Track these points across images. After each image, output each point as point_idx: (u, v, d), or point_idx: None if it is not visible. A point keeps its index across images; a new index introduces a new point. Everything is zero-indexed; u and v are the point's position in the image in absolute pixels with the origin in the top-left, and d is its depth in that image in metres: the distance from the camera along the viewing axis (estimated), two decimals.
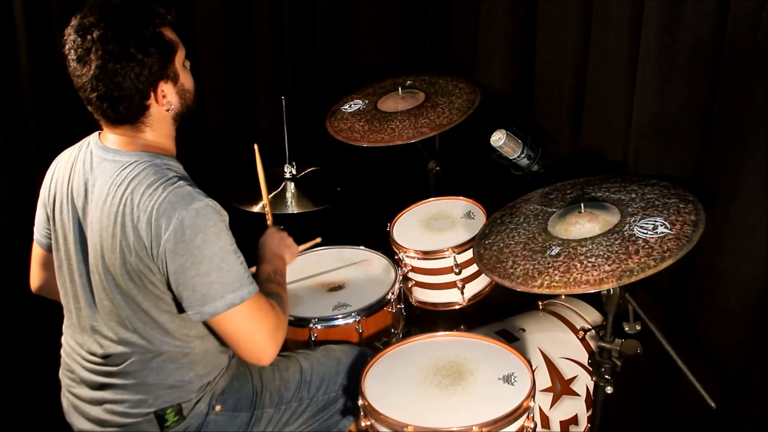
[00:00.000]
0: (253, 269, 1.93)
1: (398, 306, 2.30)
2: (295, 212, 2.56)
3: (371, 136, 2.48)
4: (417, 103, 2.56)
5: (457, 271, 2.27)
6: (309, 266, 2.42)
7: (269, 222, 2.15)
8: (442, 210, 2.50)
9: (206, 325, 1.76)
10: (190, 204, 1.63)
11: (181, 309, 1.71)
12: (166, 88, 1.71)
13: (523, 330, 2.26)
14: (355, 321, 2.17)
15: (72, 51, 1.65)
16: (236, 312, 1.66)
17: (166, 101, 1.72)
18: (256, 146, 2.21)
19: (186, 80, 1.76)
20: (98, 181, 1.72)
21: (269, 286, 1.89)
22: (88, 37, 1.62)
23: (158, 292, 1.70)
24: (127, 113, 1.69)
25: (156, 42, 1.66)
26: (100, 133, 1.80)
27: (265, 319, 1.72)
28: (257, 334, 1.71)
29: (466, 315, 2.42)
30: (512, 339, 2.20)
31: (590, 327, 2.29)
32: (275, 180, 2.63)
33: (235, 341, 1.72)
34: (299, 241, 2.16)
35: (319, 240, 2.37)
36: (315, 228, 2.57)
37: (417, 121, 2.46)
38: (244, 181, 2.57)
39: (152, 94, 1.69)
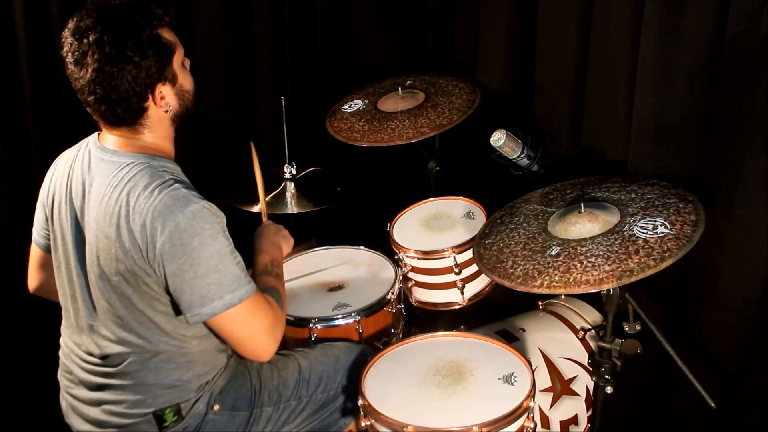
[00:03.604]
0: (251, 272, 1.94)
1: (398, 306, 2.30)
2: (295, 212, 2.56)
3: (371, 136, 2.48)
4: (417, 103, 2.55)
5: (457, 271, 2.27)
6: (309, 266, 2.42)
7: (264, 218, 2.16)
8: (442, 210, 2.50)
9: (204, 324, 1.76)
10: (186, 207, 1.63)
11: (177, 311, 1.71)
12: (165, 90, 1.71)
13: (523, 330, 2.26)
14: (355, 321, 2.17)
15: (69, 54, 1.64)
16: (234, 312, 1.67)
17: (164, 103, 1.72)
18: (252, 143, 2.21)
19: (185, 81, 1.76)
20: (95, 182, 1.72)
21: (267, 279, 1.90)
22: (85, 40, 1.62)
23: (153, 294, 1.70)
24: (125, 115, 1.69)
25: (153, 44, 1.65)
26: (99, 134, 1.80)
27: (263, 317, 1.73)
28: (256, 333, 1.72)
29: (466, 315, 2.42)
30: (512, 339, 2.20)
31: (590, 327, 2.29)
32: (275, 180, 2.63)
33: (235, 340, 1.73)
34: (298, 242, 2.17)
35: (313, 242, 2.37)
36: (315, 228, 2.57)
37: (417, 121, 2.46)
38: (243, 182, 2.57)
39: (150, 96, 1.69)
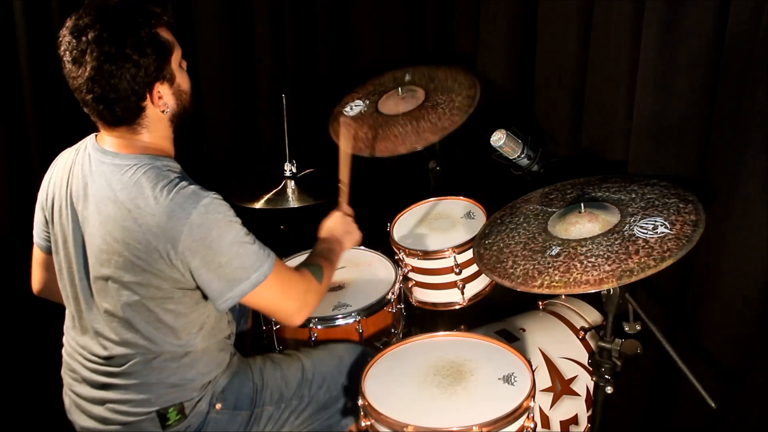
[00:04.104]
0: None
1: (398, 306, 2.30)
2: (296, 206, 2.56)
3: (375, 145, 2.48)
4: (417, 103, 2.55)
5: (457, 271, 2.27)
6: None
7: (342, 200, 2.19)
8: (442, 210, 2.50)
9: (208, 322, 1.79)
10: (198, 202, 1.64)
11: (185, 307, 1.74)
12: (162, 89, 1.71)
13: (523, 330, 2.26)
14: (355, 321, 2.17)
15: (67, 52, 1.64)
16: (263, 287, 1.72)
17: (162, 102, 1.72)
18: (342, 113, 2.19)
19: (182, 81, 1.76)
20: (98, 185, 1.71)
21: (314, 258, 1.96)
22: (83, 38, 1.61)
23: (163, 293, 1.71)
24: (124, 114, 1.69)
25: (152, 43, 1.65)
26: (96, 136, 1.79)
27: (292, 285, 1.80)
28: (288, 301, 1.80)
29: (466, 315, 2.42)
30: (512, 339, 2.20)
31: (590, 327, 2.29)
32: (275, 179, 2.63)
33: (269, 312, 1.84)
34: (305, 239, 2.17)
35: None
36: (315, 227, 2.57)
37: (419, 126, 2.46)
38: (244, 180, 2.57)
39: (148, 96, 1.69)
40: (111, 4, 1.65)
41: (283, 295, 1.79)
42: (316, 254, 1.99)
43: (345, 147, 2.25)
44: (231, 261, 1.67)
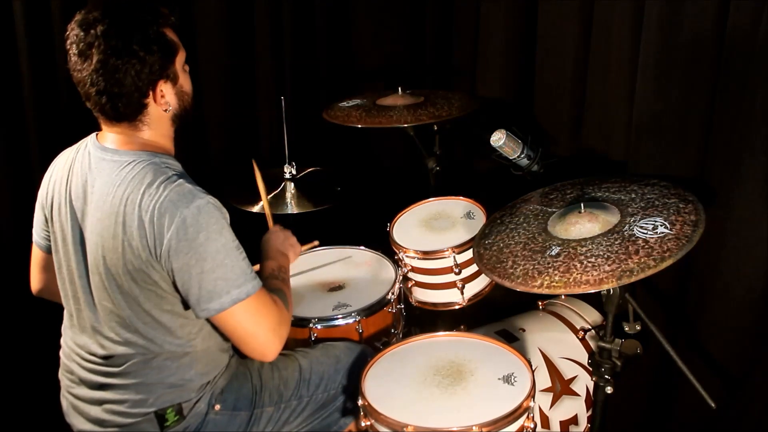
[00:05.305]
0: (257, 267, 1.95)
1: (398, 306, 2.30)
2: (295, 212, 2.56)
3: (368, 119, 2.49)
4: (417, 101, 2.56)
5: (457, 271, 2.27)
6: (309, 266, 2.42)
7: (270, 225, 2.19)
8: (442, 210, 2.50)
9: (209, 323, 1.77)
10: (192, 202, 1.64)
11: (183, 308, 1.72)
12: (165, 88, 1.71)
13: (523, 330, 2.26)
14: (355, 321, 2.17)
15: (74, 45, 1.65)
16: (241, 307, 1.68)
17: (164, 101, 1.72)
18: (254, 161, 2.25)
19: (185, 83, 1.77)
20: (97, 182, 1.72)
21: (273, 282, 1.91)
22: (92, 31, 1.63)
23: (160, 292, 1.70)
24: (126, 110, 1.69)
25: (158, 41, 1.66)
26: (97, 134, 1.80)
27: (268, 314, 1.73)
28: (261, 330, 1.72)
29: (466, 315, 2.42)
30: (512, 339, 2.20)
31: (590, 327, 2.29)
32: (275, 180, 2.63)
33: (239, 337, 1.73)
34: (300, 242, 2.17)
35: (316, 243, 2.38)
36: (315, 228, 2.57)
37: (416, 112, 2.47)
38: (243, 181, 2.57)
39: (151, 93, 1.69)
40: (120, 0, 1.67)
41: (259, 321, 1.72)
42: (273, 277, 1.93)
43: (261, 186, 2.29)
44: (214, 269, 1.64)
